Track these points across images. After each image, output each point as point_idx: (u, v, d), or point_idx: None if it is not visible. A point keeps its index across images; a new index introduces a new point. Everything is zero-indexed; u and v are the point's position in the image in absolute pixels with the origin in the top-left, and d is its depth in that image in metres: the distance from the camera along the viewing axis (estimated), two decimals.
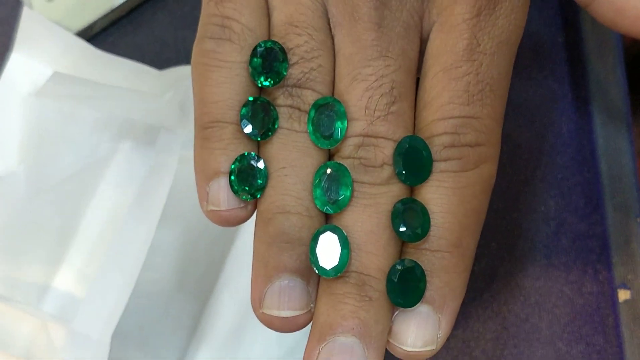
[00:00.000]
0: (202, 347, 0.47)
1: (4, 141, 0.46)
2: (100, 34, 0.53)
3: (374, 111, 0.33)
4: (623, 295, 0.47)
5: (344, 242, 0.32)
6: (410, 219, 0.32)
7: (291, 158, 0.33)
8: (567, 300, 0.47)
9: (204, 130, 0.34)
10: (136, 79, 0.48)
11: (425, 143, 0.32)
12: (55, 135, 0.47)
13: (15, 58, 0.47)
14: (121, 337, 0.44)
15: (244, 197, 0.33)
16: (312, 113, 0.33)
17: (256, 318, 0.33)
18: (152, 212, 0.44)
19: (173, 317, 0.48)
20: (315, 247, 0.32)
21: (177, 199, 0.46)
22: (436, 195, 0.33)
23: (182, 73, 0.48)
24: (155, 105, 0.46)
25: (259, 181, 0.33)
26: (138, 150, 0.49)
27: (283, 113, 0.33)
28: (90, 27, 0.51)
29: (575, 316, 0.47)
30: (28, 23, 0.46)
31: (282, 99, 0.34)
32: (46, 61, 0.47)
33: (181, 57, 0.52)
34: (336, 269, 0.32)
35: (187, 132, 0.46)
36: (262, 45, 0.33)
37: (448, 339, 0.46)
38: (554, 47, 0.51)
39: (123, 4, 0.52)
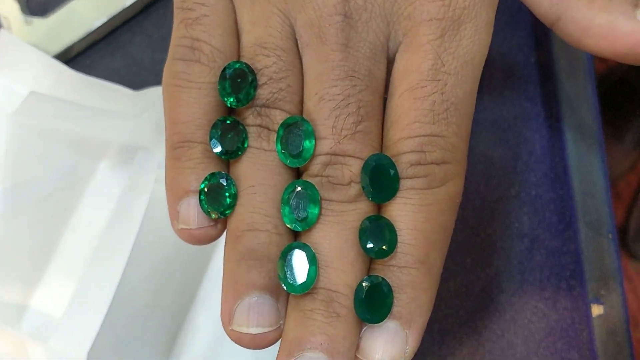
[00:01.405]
0: None
1: None
2: (78, 57, 0.53)
3: (341, 130, 0.33)
4: (596, 310, 0.48)
5: (312, 259, 0.32)
6: (377, 236, 0.32)
7: (260, 177, 0.34)
8: (541, 316, 0.48)
9: (174, 150, 0.34)
10: (113, 100, 0.48)
11: (391, 161, 0.33)
12: (33, 155, 0.47)
13: None
14: (97, 356, 0.44)
15: (213, 215, 0.33)
16: (281, 132, 0.33)
17: None
18: (128, 231, 0.44)
19: (149, 335, 0.48)
20: (284, 264, 0.32)
21: (154, 217, 0.46)
22: (403, 212, 0.33)
23: (158, 93, 0.49)
24: (131, 125, 0.46)
25: (228, 200, 0.33)
26: (115, 170, 0.49)
27: (252, 132, 0.34)
28: (68, 50, 0.52)
29: (550, 331, 0.48)
30: (6, 46, 0.47)
31: (251, 119, 0.34)
32: (24, 83, 0.48)
33: (158, 79, 0.52)
34: (304, 286, 0.32)
35: (163, 152, 0.47)
36: (231, 66, 0.34)
37: (424, 356, 0.47)
38: (526, 66, 0.51)
39: (100, 27, 0.52)
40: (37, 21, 0.52)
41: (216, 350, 0.47)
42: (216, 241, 0.35)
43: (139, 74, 0.53)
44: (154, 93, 0.49)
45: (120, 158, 0.49)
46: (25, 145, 0.47)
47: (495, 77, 0.51)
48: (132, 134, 0.47)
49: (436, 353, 0.48)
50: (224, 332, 0.33)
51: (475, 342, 0.48)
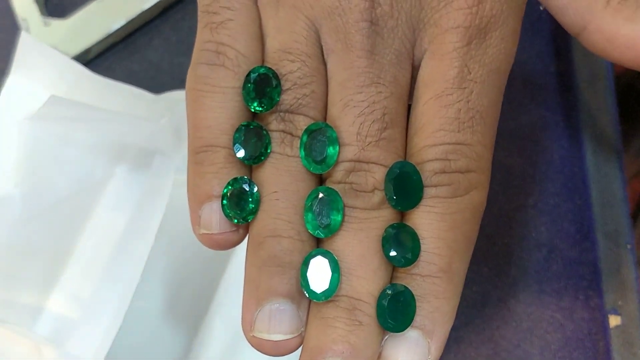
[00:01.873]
0: None
1: (0, 164, 0.46)
2: (96, 59, 0.53)
3: (366, 137, 0.33)
4: (614, 321, 0.47)
5: (335, 267, 0.32)
6: (400, 244, 0.32)
7: (283, 182, 0.33)
8: (558, 326, 0.48)
9: (197, 154, 0.34)
10: (132, 103, 0.48)
11: (416, 169, 0.33)
12: (51, 158, 0.47)
13: (12, 81, 0.47)
14: None
15: (235, 220, 0.33)
16: (305, 138, 0.33)
17: (248, 343, 0.33)
18: (146, 236, 0.44)
19: (165, 341, 0.48)
20: (306, 271, 0.32)
21: (171, 222, 0.46)
22: (427, 220, 0.33)
23: (177, 97, 0.49)
24: (150, 129, 0.46)
25: (251, 205, 0.33)
26: (133, 174, 0.49)
27: (275, 138, 0.34)
28: (86, 52, 0.52)
29: (566, 342, 0.47)
30: (25, 47, 0.47)
31: (274, 124, 0.34)
32: (43, 85, 0.48)
33: (176, 83, 0.52)
34: (326, 293, 0.32)
35: (181, 157, 0.46)
36: (256, 71, 0.34)
37: None
38: (545, 76, 0.51)
39: (119, 29, 0.52)
40: (56, 23, 0.52)
41: (232, 356, 0.47)
42: (234, 248, 0.35)
43: (157, 78, 0.53)
44: (173, 97, 0.49)
45: (138, 162, 0.49)
46: (44, 149, 0.47)
47: (514, 85, 0.51)
48: (150, 138, 0.47)
49: None
50: (240, 337, 0.33)
51: (491, 351, 0.47)
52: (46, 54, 0.47)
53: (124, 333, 0.43)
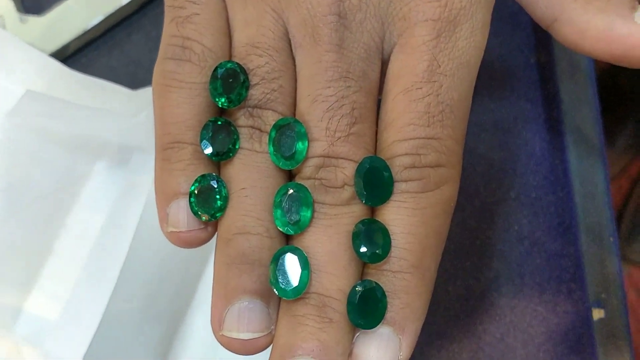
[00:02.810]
0: None
1: None
2: (75, 55, 0.53)
3: (335, 132, 0.33)
4: (597, 314, 0.47)
5: (304, 263, 0.32)
6: (371, 240, 0.32)
7: (252, 179, 0.33)
8: (541, 320, 0.47)
9: (164, 151, 0.34)
10: (110, 99, 0.48)
11: (386, 164, 0.32)
12: (29, 155, 0.46)
13: None
14: (93, 359, 0.43)
15: (203, 218, 0.33)
16: (273, 134, 0.33)
17: None
18: (125, 233, 0.44)
19: (145, 339, 0.47)
20: (276, 268, 0.32)
21: (151, 219, 0.45)
22: (397, 215, 0.33)
23: None
24: (129, 125, 0.46)
25: (219, 202, 0.33)
26: (112, 170, 0.49)
27: (244, 134, 0.33)
28: (64, 49, 0.51)
29: (550, 335, 0.47)
30: (1, 44, 0.46)
31: (242, 120, 0.34)
32: (20, 82, 0.47)
33: None
34: (296, 291, 0.32)
35: None
36: (223, 66, 0.33)
37: (423, 359, 0.46)
38: (526, 68, 0.51)
39: (97, 25, 0.52)
40: (33, 19, 0.51)
41: (212, 355, 0.47)
42: (213, 245, 0.35)
43: (136, 73, 0.52)
44: (151, 92, 0.48)
45: (117, 159, 0.49)
46: (21, 146, 0.46)
47: (495, 78, 0.50)
48: (128, 134, 0.46)
49: (435, 356, 0.47)
50: None
51: (474, 345, 0.47)
52: (23, 50, 0.47)
53: (104, 331, 0.43)
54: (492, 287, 0.48)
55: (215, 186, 0.33)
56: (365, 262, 0.33)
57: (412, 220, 0.32)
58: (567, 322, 0.47)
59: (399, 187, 0.33)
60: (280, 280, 0.32)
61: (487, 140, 0.50)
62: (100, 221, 0.47)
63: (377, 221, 0.32)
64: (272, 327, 0.33)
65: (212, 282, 0.33)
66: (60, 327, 0.43)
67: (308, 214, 0.32)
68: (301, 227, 0.32)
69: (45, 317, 0.47)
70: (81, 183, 0.48)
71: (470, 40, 0.33)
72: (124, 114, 0.48)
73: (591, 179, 0.49)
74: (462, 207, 0.47)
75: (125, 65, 0.53)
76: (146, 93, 0.49)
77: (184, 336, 0.47)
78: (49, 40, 0.51)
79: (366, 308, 0.32)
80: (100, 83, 0.48)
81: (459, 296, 0.48)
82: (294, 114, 0.34)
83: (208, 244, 0.36)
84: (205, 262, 0.48)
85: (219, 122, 0.33)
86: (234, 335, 0.32)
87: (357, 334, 0.32)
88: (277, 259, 0.32)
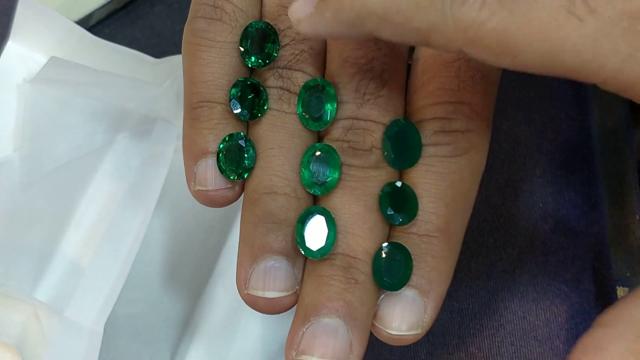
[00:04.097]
0: (195, 339, 0.47)
1: None
2: (97, 26, 0.52)
3: (364, 94, 0.32)
4: (621, 292, 0.47)
5: (331, 224, 0.32)
6: (397, 203, 0.32)
7: (280, 139, 0.33)
8: (564, 298, 0.47)
9: (193, 110, 0.33)
10: (133, 68, 0.48)
11: (414, 127, 0.32)
12: (51, 123, 0.46)
13: (11, 46, 0.47)
14: (114, 327, 0.43)
15: (231, 177, 0.33)
16: (302, 95, 0.33)
17: (250, 309, 0.33)
18: (147, 203, 0.43)
19: (166, 308, 0.47)
20: (302, 228, 0.32)
21: (173, 189, 0.45)
22: (425, 179, 0.32)
23: (179, 62, 0.48)
24: (152, 94, 0.46)
25: (247, 162, 0.33)
26: (134, 140, 0.48)
27: (273, 94, 0.33)
28: (87, 19, 0.51)
29: (573, 314, 0.47)
30: (25, 10, 0.46)
31: (272, 80, 0.33)
32: (43, 48, 0.47)
33: (179, 50, 0.51)
34: (322, 251, 0.31)
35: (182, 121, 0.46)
36: (253, 25, 0.33)
37: (444, 335, 0.46)
38: None
39: None
40: None
41: (233, 325, 0.46)
42: (236, 216, 0.34)
43: (159, 45, 0.52)
44: (176, 61, 0.48)
45: (139, 129, 0.48)
46: (43, 113, 0.46)
47: None
48: (151, 103, 0.46)
49: (456, 333, 0.47)
50: (241, 307, 0.33)
51: (496, 323, 0.47)
52: (46, 16, 0.47)
53: (124, 300, 0.43)
54: (515, 264, 0.48)
55: (244, 145, 0.33)
56: (391, 225, 0.33)
57: (439, 184, 0.32)
58: (590, 300, 0.47)
59: (427, 150, 0.32)
60: (306, 240, 0.32)
61: (513, 117, 0.49)
62: (122, 191, 0.47)
63: (405, 184, 0.32)
64: (297, 286, 0.33)
65: (233, 251, 0.33)
66: (81, 295, 0.42)
67: (336, 175, 0.32)
68: (328, 188, 0.32)
69: (65, 285, 0.47)
70: (103, 152, 0.48)
71: None
72: (148, 82, 0.47)
73: (618, 157, 0.48)
74: (486, 184, 0.47)
75: (147, 36, 0.53)
76: (170, 62, 0.48)
77: (205, 304, 0.47)
78: (72, 10, 0.51)
79: (392, 270, 0.32)
80: (124, 50, 0.48)
81: (480, 273, 0.48)
82: (324, 76, 0.34)
83: (232, 212, 0.35)
84: (227, 233, 0.48)
85: (249, 82, 0.33)
86: (259, 293, 0.32)
87: (382, 296, 0.32)
88: (303, 219, 0.32)
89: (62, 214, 0.48)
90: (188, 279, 0.48)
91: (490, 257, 0.48)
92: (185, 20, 0.35)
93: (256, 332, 0.46)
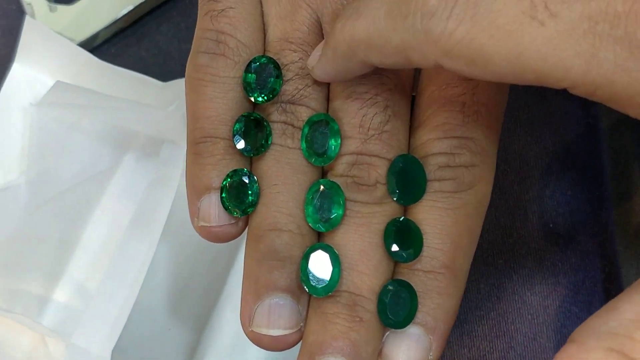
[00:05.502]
0: None
1: (4, 152, 0.46)
2: (103, 45, 0.52)
3: (368, 129, 0.32)
4: None
5: (335, 261, 0.31)
6: (402, 239, 0.32)
7: (284, 175, 0.33)
8: (575, 320, 0.47)
9: (196, 145, 0.33)
10: (139, 91, 0.47)
11: (419, 162, 0.32)
12: (57, 146, 0.46)
13: (17, 68, 0.47)
14: (121, 353, 0.43)
15: (234, 213, 0.33)
16: (306, 130, 0.33)
17: None
18: (154, 226, 0.43)
19: (174, 333, 0.47)
20: (306, 265, 0.31)
21: (180, 212, 0.45)
22: (430, 215, 0.32)
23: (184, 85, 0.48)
24: (158, 117, 0.46)
25: (251, 198, 0.33)
26: (141, 163, 0.48)
27: (276, 129, 0.33)
28: (93, 38, 0.51)
29: None
30: (30, 33, 0.46)
31: (275, 115, 0.33)
32: (48, 71, 0.47)
33: (184, 69, 0.51)
34: (327, 288, 0.31)
35: None
36: (257, 60, 0.33)
37: (454, 357, 0.46)
38: None
39: (127, 15, 0.51)
40: (62, 8, 0.51)
41: (242, 350, 0.46)
42: (243, 240, 0.34)
43: (166, 64, 0.52)
44: (182, 85, 0.48)
45: (146, 151, 0.48)
46: (50, 136, 0.46)
47: None
48: (158, 126, 0.46)
49: (465, 355, 0.47)
50: None
51: (506, 345, 0.47)
52: (52, 39, 0.47)
53: (132, 325, 0.43)
54: (526, 286, 0.47)
55: (247, 181, 0.33)
56: (396, 262, 0.33)
57: (444, 220, 0.32)
58: None
59: (432, 186, 0.32)
60: (311, 277, 0.31)
61: (523, 137, 0.49)
62: (129, 213, 0.47)
63: (410, 220, 0.32)
64: (302, 324, 0.32)
65: (241, 276, 0.33)
66: (88, 320, 0.42)
67: (340, 211, 0.32)
68: (333, 224, 0.32)
69: (73, 309, 0.47)
70: (110, 175, 0.48)
71: None
72: (153, 105, 0.47)
73: (628, 178, 0.48)
74: (495, 205, 0.47)
75: (154, 55, 0.52)
76: (176, 85, 0.48)
77: (213, 328, 0.47)
78: (78, 30, 0.51)
79: (397, 307, 0.31)
80: (130, 74, 0.48)
81: (490, 295, 0.47)
82: (327, 110, 0.33)
83: (237, 238, 0.35)
84: (234, 257, 0.48)
85: (252, 117, 0.33)
86: (264, 331, 0.32)
87: (387, 334, 0.32)
88: (308, 256, 0.32)
89: (68, 237, 0.47)
90: (196, 303, 0.48)
91: (500, 278, 0.48)
92: (192, 40, 0.35)
93: (264, 357, 0.46)
